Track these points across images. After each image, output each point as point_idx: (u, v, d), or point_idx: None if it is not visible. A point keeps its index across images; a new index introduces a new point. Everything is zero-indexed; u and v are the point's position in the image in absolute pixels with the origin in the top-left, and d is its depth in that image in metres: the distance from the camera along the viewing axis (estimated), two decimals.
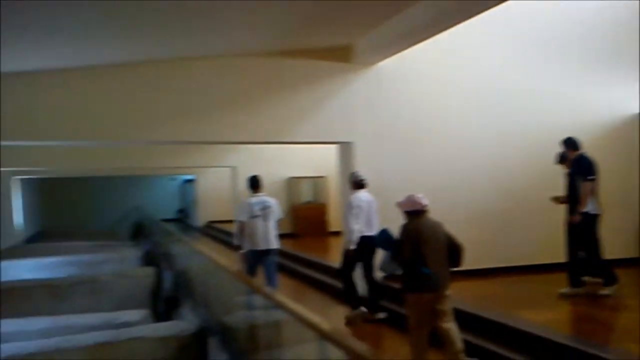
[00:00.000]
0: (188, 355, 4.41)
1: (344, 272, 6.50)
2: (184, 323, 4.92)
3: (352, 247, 6.33)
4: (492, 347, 4.83)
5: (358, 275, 6.65)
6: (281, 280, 8.02)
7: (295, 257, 10.36)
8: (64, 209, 22.57)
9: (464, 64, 7.76)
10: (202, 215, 19.54)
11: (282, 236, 7.38)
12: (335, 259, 7.67)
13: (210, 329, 4.53)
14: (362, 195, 6.51)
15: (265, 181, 7.38)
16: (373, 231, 6.13)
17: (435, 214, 4.78)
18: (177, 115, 6.57)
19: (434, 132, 7.61)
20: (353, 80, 7.25)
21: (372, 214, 6.44)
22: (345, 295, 6.62)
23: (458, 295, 5.00)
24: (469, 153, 7.71)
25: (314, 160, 14.59)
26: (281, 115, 6.97)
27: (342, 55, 7.16)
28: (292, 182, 15.14)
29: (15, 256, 10.39)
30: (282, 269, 8.85)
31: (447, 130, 7.67)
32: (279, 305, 2.93)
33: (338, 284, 7.02)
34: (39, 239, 17.04)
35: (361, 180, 6.60)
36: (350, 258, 6.39)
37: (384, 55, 7.02)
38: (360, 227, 6.26)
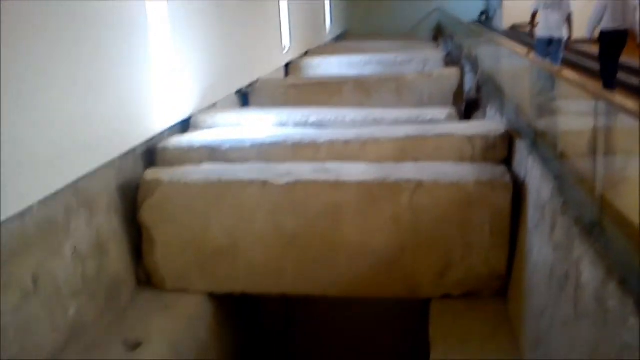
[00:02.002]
0: (493, 156, 4.32)
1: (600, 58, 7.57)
2: (491, 123, 4.81)
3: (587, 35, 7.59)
4: None
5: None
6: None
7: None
8: (368, 10, 23.11)
9: None
10: (507, 18, 18.50)
11: None
12: None
13: (519, 132, 4.34)
14: None
15: None
16: (626, 26, 7.11)
17: None
18: None
19: None
20: None
21: (628, 11, 7.10)
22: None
23: None
24: None
25: None
26: None
27: None
28: None
29: (325, 53, 11.07)
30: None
31: None
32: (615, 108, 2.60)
33: None
34: (345, 38, 17.87)
35: None
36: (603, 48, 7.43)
37: None
38: (605, 23, 7.17)
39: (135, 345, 3.41)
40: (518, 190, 3.89)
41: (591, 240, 2.60)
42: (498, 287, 3.99)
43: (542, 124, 3.91)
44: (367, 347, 5.29)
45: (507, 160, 4.32)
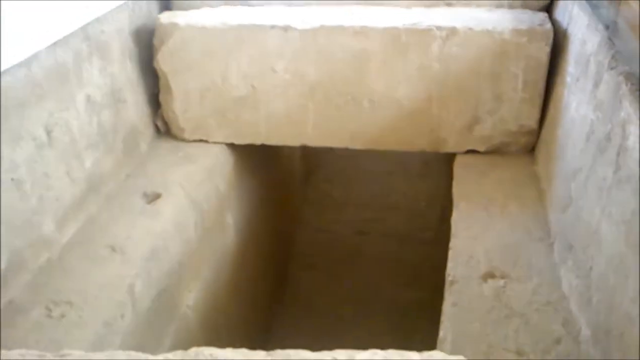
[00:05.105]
0: (533, 1, 3.98)
1: None
2: None
3: None
4: None
5: None
6: None
7: None
8: None
9: None
10: None
11: None
12: None
13: None
14: None
15: None
16: None
17: None
18: None
19: None
20: None
21: None
22: None
23: None
24: None
25: None
26: None
27: None
28: None
29: None
30: None
31: None
32: None
33: None
34: None
35: None
36: None
37: None
38: None
39: (154, 197, 3.37)
40: (558, 41, 3.61)
41: None
42: (527, 144, 3.85)
43: None
44: (388, 200, 5.29)
45: (549, 8, 3.98)
